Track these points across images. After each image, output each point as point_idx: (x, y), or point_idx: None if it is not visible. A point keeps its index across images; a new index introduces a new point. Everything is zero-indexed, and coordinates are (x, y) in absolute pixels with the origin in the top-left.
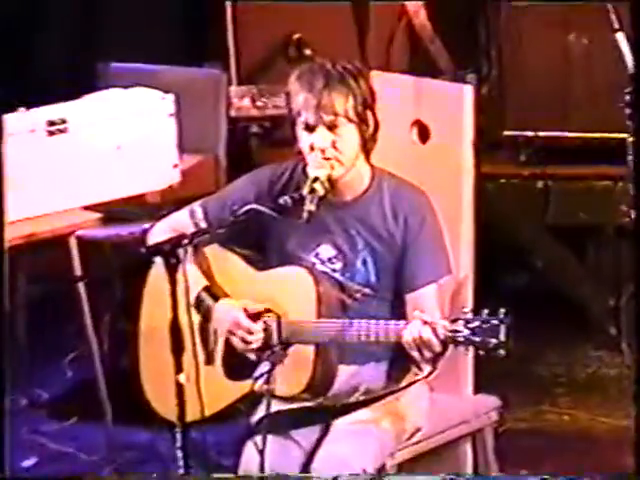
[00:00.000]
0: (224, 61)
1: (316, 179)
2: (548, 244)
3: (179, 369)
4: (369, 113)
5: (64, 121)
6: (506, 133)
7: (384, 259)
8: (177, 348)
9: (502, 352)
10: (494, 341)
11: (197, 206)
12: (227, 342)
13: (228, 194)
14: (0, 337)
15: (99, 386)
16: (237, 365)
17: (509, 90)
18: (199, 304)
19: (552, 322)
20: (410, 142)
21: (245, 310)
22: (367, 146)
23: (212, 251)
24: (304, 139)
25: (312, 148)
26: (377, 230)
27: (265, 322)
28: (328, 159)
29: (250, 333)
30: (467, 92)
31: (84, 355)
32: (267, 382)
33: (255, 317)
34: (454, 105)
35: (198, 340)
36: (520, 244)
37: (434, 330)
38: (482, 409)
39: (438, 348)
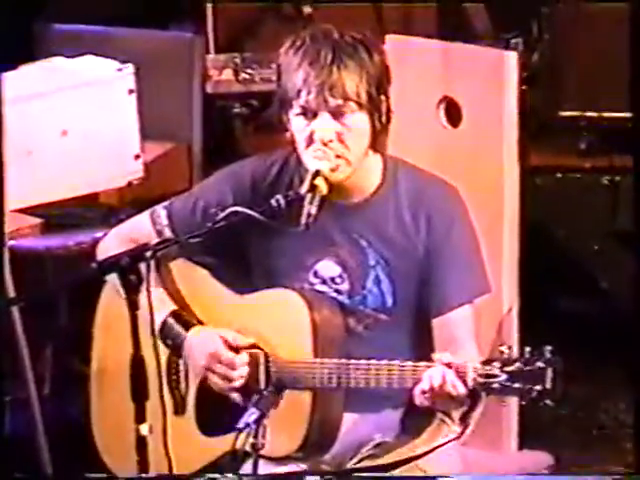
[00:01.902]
0: (198, 21)
1: (317, 173)
2: (616, 257)
3: (141, 418)
4: (383, 98)
5: None
6: (562, 114)
7: (403, 276)
8: (139, 391)
9: (549, 402)
10: (538, 388)
11: (161, 209)
12: (201, 387)
13: (199, 195)
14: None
15: (38, 439)
16: (214, 415)
17: (566, 59)
18: (166, 334)
19: (619, 357)
20: (437, 125)
21: (225, 340)
22: (377, 140)
23: (179, 268)
24: (300, 127)
25: (311, 139)
26: (393, 239)
27: (250, 357)
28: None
29: (233, 368)
30: (511, 61)
31: (19, 400)
32: (254, 436)
33: (237, 350)
34: (493, 77)
35: (165, 382)
36: (580, 257)
37: (462, 377)
38: (530, 468)
39: (467, 401)
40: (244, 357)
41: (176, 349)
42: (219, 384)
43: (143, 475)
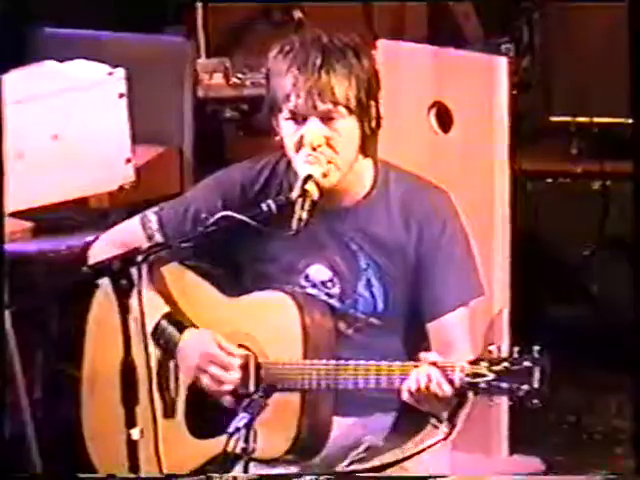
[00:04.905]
0: (189, 26)
1: (309, 178)
2: (606, 262)
3: (131, 422)
4: (372, 103)
5: None
6: (553, 119)
7: (394, 279)
8: (129, 396)
9: (536, 402)
10: (525, 388)
11: (151, 214)
12: (191, 390)
13: (190, 200)
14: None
15: (29, 445)
16: (205, 419)
17: (557, 64)
18: (159, 335)
19: (610, 362)
20: (428, 130)
21: (219, 343)
22: (367, 144)
23: (170, 272)
24: (290, 132)
25: (301, 144)
26: (384, 242)
27: (241, 360)
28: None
29: (226, 370)
30: (501, 66)
31: (10, 405)
32: (245, 440)
33: (230, 353)
34: (484, 83)
35: (155, 385)
36: (570, 262)
37: (447, 375)
38: (521, 473)
39: (453, 399)
40: (238, 360)
41: (169, 351)
42: (211, 386)
43: (140, 475)
